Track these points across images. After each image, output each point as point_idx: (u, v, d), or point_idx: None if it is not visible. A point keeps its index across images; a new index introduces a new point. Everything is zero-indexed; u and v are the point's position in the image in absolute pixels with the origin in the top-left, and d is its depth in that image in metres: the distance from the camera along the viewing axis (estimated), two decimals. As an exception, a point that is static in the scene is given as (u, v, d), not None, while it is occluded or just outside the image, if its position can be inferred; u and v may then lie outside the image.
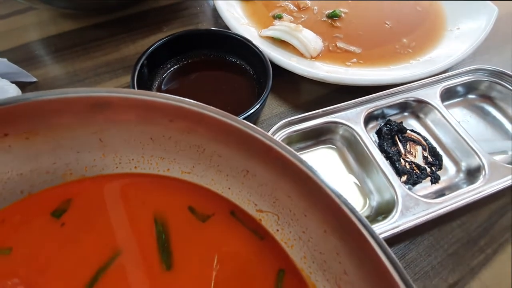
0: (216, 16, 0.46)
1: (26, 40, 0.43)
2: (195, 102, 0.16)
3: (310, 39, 0.40)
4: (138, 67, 0.32)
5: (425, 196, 0.28)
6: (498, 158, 0.32)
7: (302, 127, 0.31)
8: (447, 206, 0.27)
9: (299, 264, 0.18)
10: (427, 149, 0.33)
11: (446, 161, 0.33)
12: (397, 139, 0.33)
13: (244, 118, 0.29)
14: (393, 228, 0.26)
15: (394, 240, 0.28)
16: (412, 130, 0.35)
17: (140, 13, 0.48)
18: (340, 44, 0.43)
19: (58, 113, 0.17)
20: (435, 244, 0.28)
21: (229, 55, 0.38)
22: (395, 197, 0.27)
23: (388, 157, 0.32)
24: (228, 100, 0.35)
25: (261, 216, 0.19)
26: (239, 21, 0.42)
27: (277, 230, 0.19)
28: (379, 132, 0.34)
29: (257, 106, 0.30)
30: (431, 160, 0.33)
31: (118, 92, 0.16)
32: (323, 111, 0.32)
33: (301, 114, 0.32)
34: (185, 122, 0.18)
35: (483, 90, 0.39)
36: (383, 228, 0.26)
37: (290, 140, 0.32)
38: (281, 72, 0.37)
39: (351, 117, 0.32)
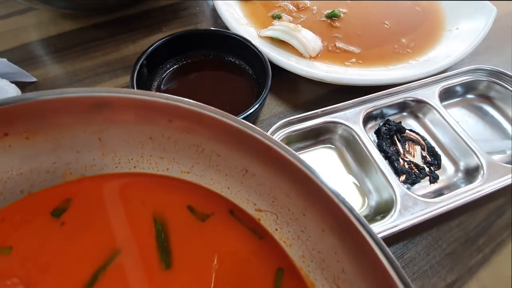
0: (216, 16, 0.46)
1: (26, 40, 0.43)
2: (194, 102, 0.16)
3: (309, 39, 0.40)
4: (137, 67, 0.32)
5: (423, 196, 0.28)
6: (496, 157, 0.32)
7: (301, 127, 0.31)
8: (445, 205, 0.27)
9: (297, 263, 0.18)
10: (425, 149, 0.33)
11: (444, 160, 0.33)
12: (396, 139, 0.33)
13: (243, 118, 0.29)
14: (391, 228, 0.26)
15: (392, 239, 0.28)
16: (411, 130, 0.35)
17: (140, 13, 0.48)
18: (339, 44, 0.43)
19: (58, 113, 0.17)
20: (433, 243, 0.28)
21: (228, 55, 0.38)
22: (394, 197, 0.27)
23: (387, 156, 0.32)
24: (227, 100, 0.35)
25: (260, 215, 0.19)
26: (238, 21, 0.42)
27: (276, 229, 0.19)
28: (378, 132, 0.34)
29: (256, 106, 0.30)
30: (430, 159, 0.33)
31: (117, 92, 0.16)
32: (322, 111, 0.32)
33: (300, 114, 0.32)
34: (185, 122, 0.18)
35: (482, 90, 0.39)
36: (382, 228, 0.26)
37: (289, 140, 0.32)
38: (280, 72, 0.37)
39: (350, 117, 0.33)
